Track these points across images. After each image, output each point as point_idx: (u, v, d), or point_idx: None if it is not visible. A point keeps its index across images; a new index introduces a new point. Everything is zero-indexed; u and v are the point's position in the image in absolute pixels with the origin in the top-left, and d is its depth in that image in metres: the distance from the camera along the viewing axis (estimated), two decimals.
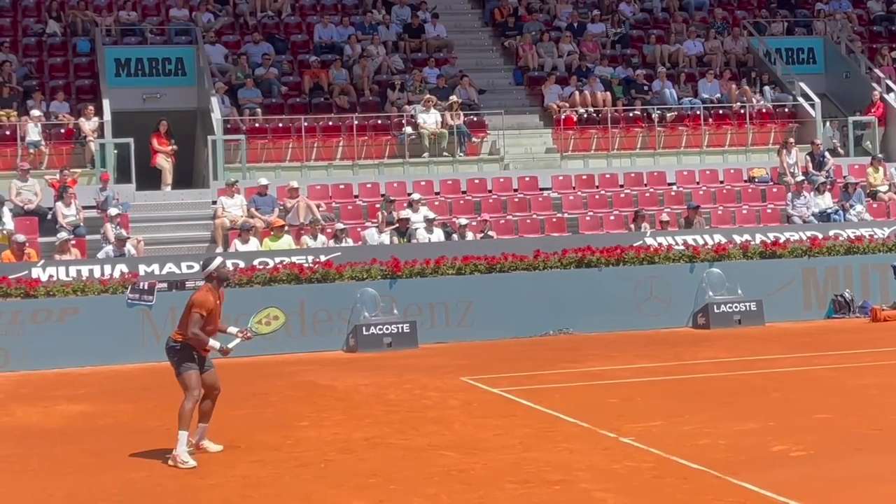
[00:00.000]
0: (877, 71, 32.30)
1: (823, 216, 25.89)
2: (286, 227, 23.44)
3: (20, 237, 21.78)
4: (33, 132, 26.13)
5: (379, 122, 28.49)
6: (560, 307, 21.58)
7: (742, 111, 30.24)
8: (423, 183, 26.50)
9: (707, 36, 33.17)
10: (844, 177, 28.06)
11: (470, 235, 23.86)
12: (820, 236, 23.47)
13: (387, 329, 20.45)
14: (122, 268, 20.87)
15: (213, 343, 11.85)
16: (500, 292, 21.42)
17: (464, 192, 26.59)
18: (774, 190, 27.45)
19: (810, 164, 28.13)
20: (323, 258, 21.50)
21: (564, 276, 21.87)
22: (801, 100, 30.77)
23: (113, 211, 23.20)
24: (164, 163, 26.95)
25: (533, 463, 11.08)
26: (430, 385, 16.22)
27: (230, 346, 12.01)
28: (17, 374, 18.98)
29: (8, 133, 26.35)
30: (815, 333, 20.65)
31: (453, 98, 28.53)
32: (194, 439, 11.97)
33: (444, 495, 10.01)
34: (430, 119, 28.02)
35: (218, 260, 12.24)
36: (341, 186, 26.35)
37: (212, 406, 12.17)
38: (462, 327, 21.18)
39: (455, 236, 23.88)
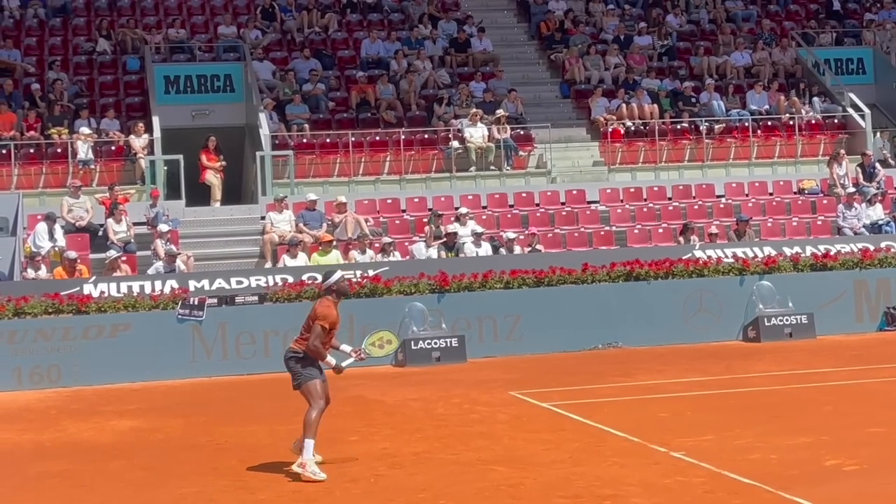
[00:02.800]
0: None
1: (875, 227, 25.66)
2: (334, 242, 23.52)
3: (72, 254, 21.99)
4: (84, 150, 26.39)
5: (426, 136, 28.54)
6: (609, 321, 21.49)
7: (791, 122, 30.05)
8: (470, 197, 26.52)
9: (755, 47, 32.99)
10: None
11: (518, 249, 23.83)
12: (871, 248, 23.24)
13: (435, 343, 20.44)
14: (172, 283, 21.00)
15: (330, 359, 11.86)
16: (549, 306, 21.35)
17: (511, 206, 26.58)
18: (825, 201, 27.24)
19: (861, 176, 27.90)
20: (371, 273, 21.53)
21: (613, 289, 21.77)
22: (850, 110, 30.53)
23: (163, 227, 23.39)
24: (213, 179, 27.14)
25: (583, 478, 11.04)
26: (478, 399, 16.20)
27: (344, 364, 12.03)
28: (70, 389, 19.14)
29: (59, 151, 26.64)
30: (867, 346, 20.43)
31: (500, 112, 28.54)
32: (294, 449, 11.89)
33: None
34: (476, 133, 28.04)
35: (338, 274, 12.14)
36: (389, 201, 26.42)
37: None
38: (510, 341, 21.13)
39: (503, 250, 23.85)
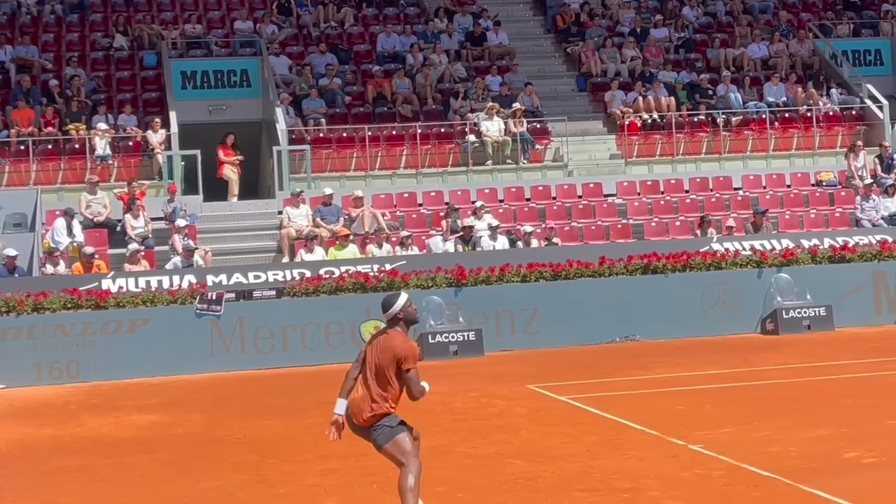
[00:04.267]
0: None
1: (893, 219, 25.58)
2: (351, 237, 23.54)
3: (90, 249, 22.07)
4: (101, 145, 26.47)
5: (442, 130, 28.54)
6: (626, 314, 21.48)
7: (808, 114, 29.95)
8: (486, 191, 26.49)
9: (772, 39, 32.86)
10: None
11: (535, 243, 23.82)
12: (890, 239, 23.17)
13: (452, 337, 20.46)
14: (190, 278, 21.07)
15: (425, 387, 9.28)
16: (566, 299, 21.35)
17: (528, 200, 26.56)
18: (843, 193, 27.15)
19: (879, 167, 27.80)
20: (388, 267, 21.57)
21: (630, 282, 21.76)
22: (868, 102, 30.41)
23: (181, 222, 23.44)
24: (231, 174, 27.19)
25: (601, 471, 11.04)
26: (496, 393, 16.21)
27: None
28: (89, 384, 19.22)
29: (77, 146, 26.72)
30: (885, 338, 20.38)
31: (516, 105, 28.51)
32: None
33: (513, 503, 9.99)
34: (493, 127, 28.02)
35: (404, 297, 9.28)
36: (405, 195, 26.43)
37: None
38: (528, 335, 21.14)
39: (520, 244, 23.85)
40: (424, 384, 9.24)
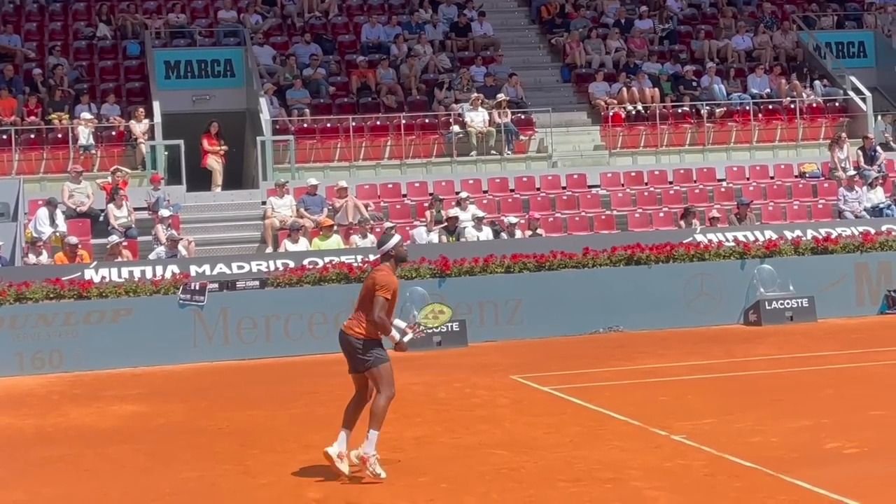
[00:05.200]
0: None
1: (875, 211, 25.68)
2: (335, 227, 23.53)
3: (73, 239, 22.01)
4: (84, 135, 26.38)
5: (426, 121, 28.53)
6: (610, 305, 21.50)
7: (792, 106, 30.01)
8: (471, 181, 26.51)
9: (756, 31, 32.94)
10: None
11: (518, 233, 23.84)
12: (872, 231, 23.23)
13: (436, 328, 20.40)
14: (173, 269, 21.02)
15: (394, 333, 10.88)
16: (550, 290, 21.36)
17: (512, 191, 26.57)
18: (826, 185, 27.23)
19: (862, 159, 27.89)
20: (372, 257, 21.51)
21: (614, 273, 21.77)
22: (851, 94, 30.50)
23: (164, 212, 23.40)
24: (215, 164, 27.14)
25: (584, 461, 11.05)
26: (479, 384, 16.22)
27: (406, 340, 11.00)
28: (71, 374, 19.18)
29: (60, 136, 26.64)
30: (868, 329, 20.45)
31: (501, 96, 28.51)
32: (335, 450, 10.72)
33: (495, 494, 10.01)
34: (477, 118, 28.02)
35: (396, 238, 11.00)
36: (389, 186, 26.43)
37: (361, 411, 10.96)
38: (511, 326, 21.15)
39: (504, 234, 23.86)
40: (401, 324, 11.06)
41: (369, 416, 10.61)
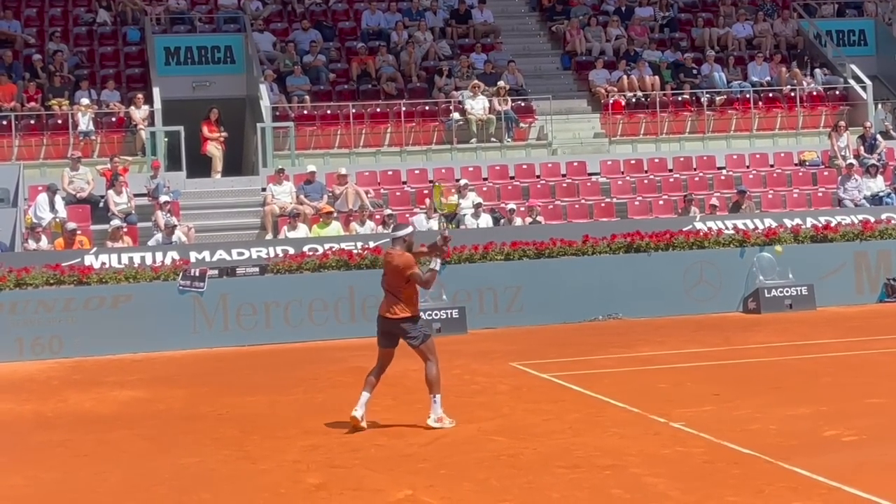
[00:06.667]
0: None
1: (875, 199, 25.68)
2: (335, 214, 23.53)
3: (72, 225, 22.02)
4: (84, 121, 26.37)
5: (426, 108, 28.50)
6: (609, 292, 21.52)
7: (792, 94, 29.98)
8: (470, 169, 26.50)
9: (756, 18, 32.89)
10: None
11: (518, 221, 23.84)
12: (872, 219, 23.24)
13: (436, 315, 20.45)
14: (173, 255, 21.03)
15: (434, 266, 12.35)
16: (549, 278, 21.38)
17: (512, 178, 26.56)
18: (825, 173, 27.23)
19: (861, 147, 27.88)
20: (372, 244, 21.55)
21: (613, 261, 21.79)
22: (852, 82, 30.46)
23: (164, 198, 23.39)
24: (214, 150, 27.12)
25: (583, 448, 11.08)
26: (479, 370, 16.24)
27: (437, 267, 12.51)
28: (71, 360, 19.20)
29: (60, 122, 26.61)
30: (866, 318, 20.48)
31: (501, 84, 28.48)
32: (359, 412, 12.22)
33: (494, 480, 10.03)
34: (477, 105, 27.99)
35: (409, 228, 12.67)
36: (389, 173, 26.41)
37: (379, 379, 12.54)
38: (511, 313, 21.17)
39: (503, 222, 23.86)
40: (431, 265, 12.38)
41: (428, 386, 12.23)
